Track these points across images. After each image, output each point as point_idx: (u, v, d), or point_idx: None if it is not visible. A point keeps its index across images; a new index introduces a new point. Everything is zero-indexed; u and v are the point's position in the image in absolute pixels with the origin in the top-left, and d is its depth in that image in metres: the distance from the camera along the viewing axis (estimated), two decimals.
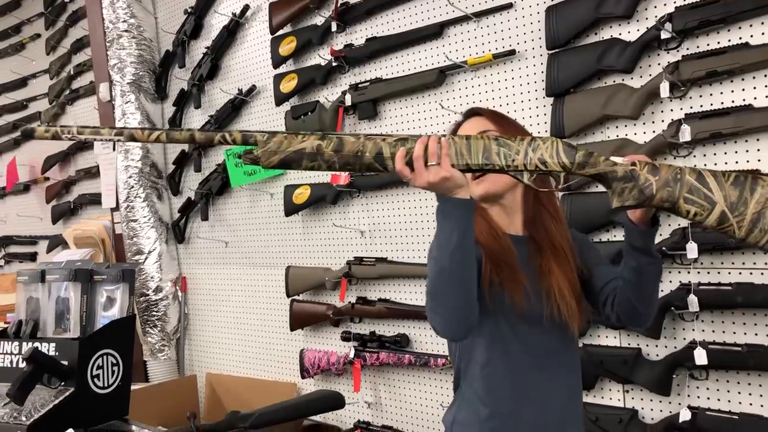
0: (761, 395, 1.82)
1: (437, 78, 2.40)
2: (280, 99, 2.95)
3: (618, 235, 2.05)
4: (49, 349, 1.79)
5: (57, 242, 4.41)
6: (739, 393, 1.86)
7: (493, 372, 1.34)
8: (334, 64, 2.73)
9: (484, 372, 1.35)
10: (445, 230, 1.16)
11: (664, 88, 1.88)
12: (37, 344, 1.79)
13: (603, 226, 2.05)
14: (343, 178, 2.71)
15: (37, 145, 4.73)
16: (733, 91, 1.83)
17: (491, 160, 1.16)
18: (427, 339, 2.55)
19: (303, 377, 2.91)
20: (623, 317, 1.37)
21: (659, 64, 1.95)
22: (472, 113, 1.46)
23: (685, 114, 1.89)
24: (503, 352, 1.34)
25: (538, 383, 1.34)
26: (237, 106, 3.22)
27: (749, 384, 1.84)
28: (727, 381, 1.88)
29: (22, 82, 4.91)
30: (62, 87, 4.46)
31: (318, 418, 2.82)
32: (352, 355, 2.69)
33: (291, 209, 2.93)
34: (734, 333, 1.86)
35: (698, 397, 1.93)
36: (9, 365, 1.86)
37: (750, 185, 1.09)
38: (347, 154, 1.17)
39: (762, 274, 1.80)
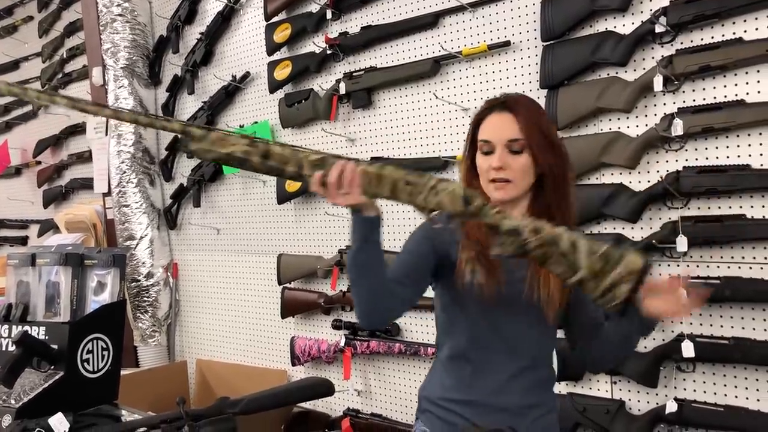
0: (747, 388, 1.84)
1: (432, 68, 2.40)
2: (273, 86, 2.94)
3: (608, 227, 2.06)
4: (39, 332, 1.79)
5: (48, 226, 4.39)
6: (725, 386, 1.88)
7: (459, 351, 1.44)
8: (328, 52, 2.72)
9: (452, 350, 1.45)
10: (354, 237, 1.30)
11: (658, 82, 1.89)
12: (26, 328, 1.79)
13: (594, 218, 2.06)
14: None
15: (29, 129, 4.71)
16: (725, 86, 1.84)
17: (397, 195, 1.26)
18: (417, 328, 2.56)
19: (293, 365, 2.92)
20: (586, 359, 1.48)
21: (653, 57, 1.95)
22: (504, 107, 1.38)
23: (678, 108, 1.89)
24: (472, 334, 1.41)
25: (501, 367, 1.40)
26: (231, 92, 3.21)
27: (735, 377, 1.86)
28: (714, 374, 1.90)
29: (14, 65, 4.87)
30: (55, 70, 4.43)
31: (308, 405, 2.84)
32: (342, 344, 2.70)
33: (283, 197, 2.93)
34: (721, 326, 1.88)
35: (685, 389, 1.94)
36: None
37: (615, 261, 1.21)
38: (272, 164, 1.24)
39: (750, 268, 1.81)
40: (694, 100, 1.89)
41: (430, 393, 1.49)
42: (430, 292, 1.48)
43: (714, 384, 1.90)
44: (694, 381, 1.93)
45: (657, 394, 2.00)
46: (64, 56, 4.35)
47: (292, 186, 2.88)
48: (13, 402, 1.67)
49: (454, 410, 1.43)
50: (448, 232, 1.42)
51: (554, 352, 1.53)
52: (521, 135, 1.35)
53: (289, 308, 2.94)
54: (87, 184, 4.08)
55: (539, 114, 1.41)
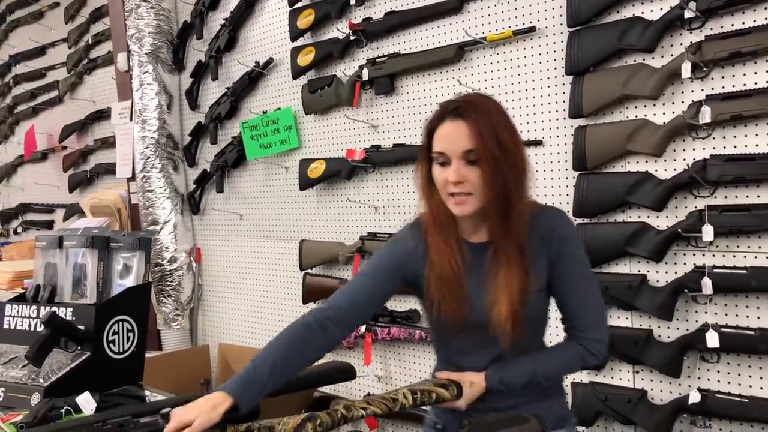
0: None
1: (456, 54, 2.39)
2: (297, 72, 2.95)
3: (633, 216, 2.04)
4: (66, 313, 1.82)
5: (74, 210, 4.46)
6: (750, 377, 1.86)
7: (440, 364, 1.49)
8: (352, 37, 2.71)
9: (437, 361, 1.51)
10: None
11: (686, 69, 1.86)
12: (54, 309, 1.82)
13: (618, 206, 2.04)
14: (358, 153, 2.71)
15: (55, 114, 4.77)
16: (756, 73, 1.80)
17: None
18: None
19: None
20: None
21: (681, 44, 1.92)
22: (456, 114, 1.29)
23: (706, 95, 1.86)
24: (446, 354, 1.46)
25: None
26: (254, 78, 3.22)
27: (760, 368, 1.84)
28: (738, 364, 1.88)
29: (40, 51, 4.92)
30: (80, 56, 4.47)
31: (328, 389, 2.86)
32: (363, 330, 2.71)
33: (306, 183, 2.94)
34: (747, 317, 1.85)
35: (708, 379, 1.93)
36: (27, 328, 1.90)
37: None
38: None
39: None
40: (723, 87, 1.86)
41: None
42: None
43: (738, 375, 1.88)
44: (718, 371, 1.91)
45: (680, 384, 1.98)
46: (90, 42, 4.39)
47: (314, 172, 2.89)
48: (41, 381, 1.70)
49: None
50: (419, 252, 1.39)
51: None
52: (475, 145, 1.26)
53: (311, 294, 2.96)
54: (111, 169, 4.12)
55: (495, 118, 1.30)
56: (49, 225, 4.91)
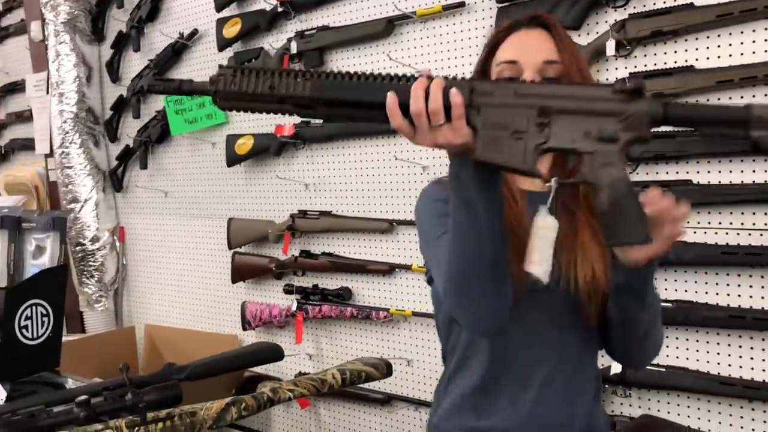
0: (687, 349, 1.90)
1: (385, 28, 2.35)
2: (222, 44, 2.85)
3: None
4: None
5: None
6: (667, 347, 1.93)
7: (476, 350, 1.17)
8: (279, 9, 2.64)
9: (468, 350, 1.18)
10: (463, 203, 0.94)
11: (610, 46, 1.88)
12: None
13: None
14: (288, 128, 2.66)
15: None
16: (676, 52, 1.85)
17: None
18: (369, 292, 2.56)
19: (244, 329, 2.89)
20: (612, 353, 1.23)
21: (606, 21, 1.95)
22: (537, 23, 1.08)
23: (630, 73, 1.90)
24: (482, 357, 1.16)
25: (526, 373, 1.15)
26: (178, 50, 3.10)
27: (677, 338, 1.92)
28: None
29: None
30: None
31: (259, 369, 2.82)
32: (294, 308, 2.68)
33: (233, 159, 2.86)
34: (666, 290, 1.92)
35: None
36: None
37: None
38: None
39: (695, 232, 1.85)
40: (645, 66, 1.90)
41: None
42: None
43: None
44: None
45: (603, 356, 2.04)
46: (0, 9, 4.13)
47: (242, 148, 2.82)
48: None
49: None
50: None
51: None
52: (560, 57, 1.05)
53: (240, 273, 2.90)
54: (28, 144, 3.92)
55: (576, 45, 1.12)
56: None
